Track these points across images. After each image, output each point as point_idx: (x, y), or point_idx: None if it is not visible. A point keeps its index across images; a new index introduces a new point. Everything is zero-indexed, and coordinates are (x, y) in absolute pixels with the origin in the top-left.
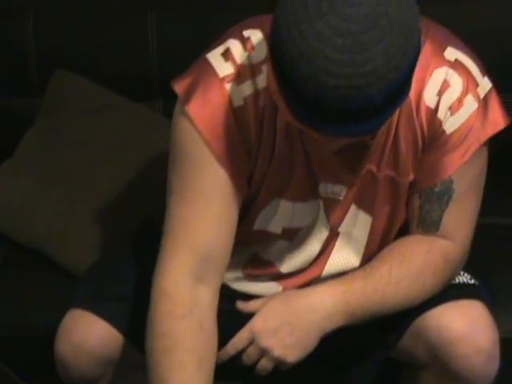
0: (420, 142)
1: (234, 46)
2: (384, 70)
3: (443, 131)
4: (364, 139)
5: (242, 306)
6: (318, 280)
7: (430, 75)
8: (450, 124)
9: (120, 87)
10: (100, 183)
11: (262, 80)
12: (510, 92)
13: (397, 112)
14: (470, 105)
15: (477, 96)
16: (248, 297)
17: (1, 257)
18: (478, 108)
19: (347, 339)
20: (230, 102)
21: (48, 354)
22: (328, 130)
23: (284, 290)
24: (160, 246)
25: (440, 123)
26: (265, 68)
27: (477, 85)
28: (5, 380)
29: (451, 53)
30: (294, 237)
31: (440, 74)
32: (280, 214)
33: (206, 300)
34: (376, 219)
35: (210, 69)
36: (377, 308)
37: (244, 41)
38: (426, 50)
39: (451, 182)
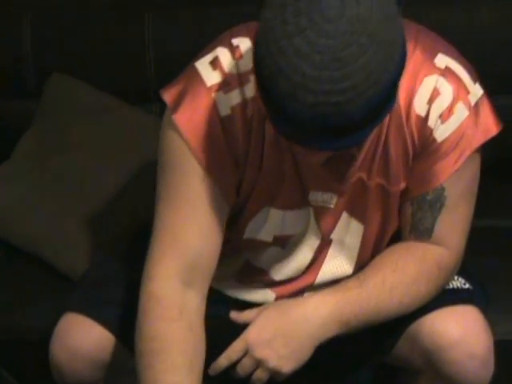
0: (410, 151)
1: (223, 54)
2: (363, 86)
3: (434, 139)
4: (350, 151)
5: (235, 316)
6: (312, 287)
7: (420, 83)
8: (441, 132)
9: (116, 90)
10: (96, 186)
11: (250, 89)
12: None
13: (386, 120)
14: (461, 112)
15: (468, 103)
16: (242, 303)
17: None
18: (470, 115)
19: (342, 347)
20: (217, 111)
21: (46, 357)
22: (310, 145)
23: (277, 297)
24: (148, 250)
25: (431, 131)
26: (252, 77)
27: (468, 92)
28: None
29: (442, 60)
30: (286, 244)
31: (430, 82)
32: (270, 223)
33: (194, 305)
34: (368, 227)
35: (197, 77)
36: (371, 316)
37: (233, 49)
38: (417, 57)
39: (443, 189)
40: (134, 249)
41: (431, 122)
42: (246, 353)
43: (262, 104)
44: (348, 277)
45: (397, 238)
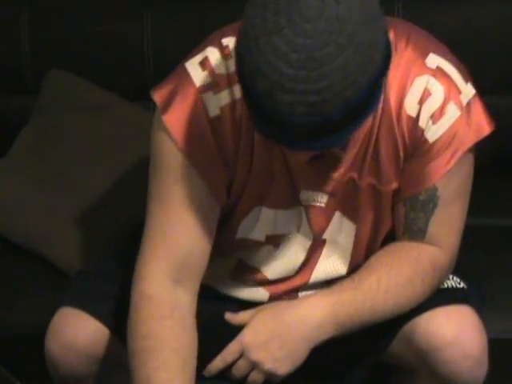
0: (402, 151)
1: (212, 54)
2: (340, 86)
3: (426, 140)
4: (334, 151)
5: (230, 317)
6: (306, 287)
7: (411, 84)
8: (433, 132)
9: (115, 87)
10: (94, 182)
11: (239, 89)
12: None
13: (377, 121)
14: (453, 113)
15: (459, 103)
16: (237, 301)
17: None
18: (461, 115)
19: (336, 347)
20: (206, 112)
21: (43, 352)
22: (288, 144)
23: (271, 295)
24: (139, 249)
25: (422, 132)
26: None
27: (459, 92)
28: (1, 380)
29: (433, 59)
30: (278, 243)
31: (421, 83)
32: (262, 222)
33: (186, 303)
34: (360, 226)
35: (187, 78)
36: (367, 318)
37: (222, 49)
38: (408, 56)
39: (436, 189)
40: (130, 246)
41: (422, 123)
42: (241, 355)
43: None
44: (343, 277)
45: (391, 238)
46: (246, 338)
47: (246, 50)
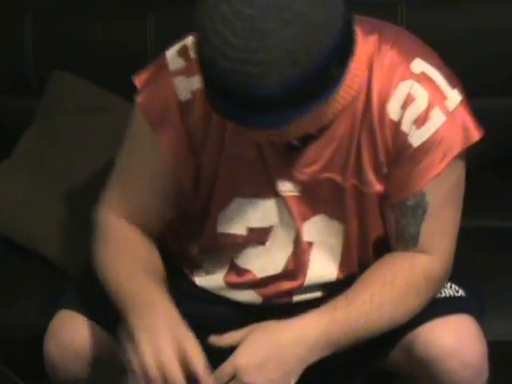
0: (383, 155)
1: (191, 42)
2: (282, 63)
3: (410, 145)
4: (288, 139)
5: (215, 340)
6: (300, 290)
7: (395, 88)
8: (417, 137)
9: (118, 88)
10: (97, 183)
11: None
12: None
13: (358, 122)
14: (438, 118)
15: (445, 109)
16: (230, 303)
17: None
18: (447, 121)
19: (336, 355)
20: (176, 95)
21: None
22: (236, 119)
23: (263, 299)
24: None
25: (405, 136)
26: None
27: (444, 97)
28: (4, 380)
29: (418, 65)
30: (265, 240)
31: (405, 88)
32: (240, 214)
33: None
34: (348, 227)
35: (164, 63)
36: (361, 334)
37: None
38: (392, 59)
39: (423, 194)
40: None
41: (405, 127)
42: (233, 377)
43: None
44: (337, 282)
45: (386, 248)
46: (239, 360)
47: (199, 18)
